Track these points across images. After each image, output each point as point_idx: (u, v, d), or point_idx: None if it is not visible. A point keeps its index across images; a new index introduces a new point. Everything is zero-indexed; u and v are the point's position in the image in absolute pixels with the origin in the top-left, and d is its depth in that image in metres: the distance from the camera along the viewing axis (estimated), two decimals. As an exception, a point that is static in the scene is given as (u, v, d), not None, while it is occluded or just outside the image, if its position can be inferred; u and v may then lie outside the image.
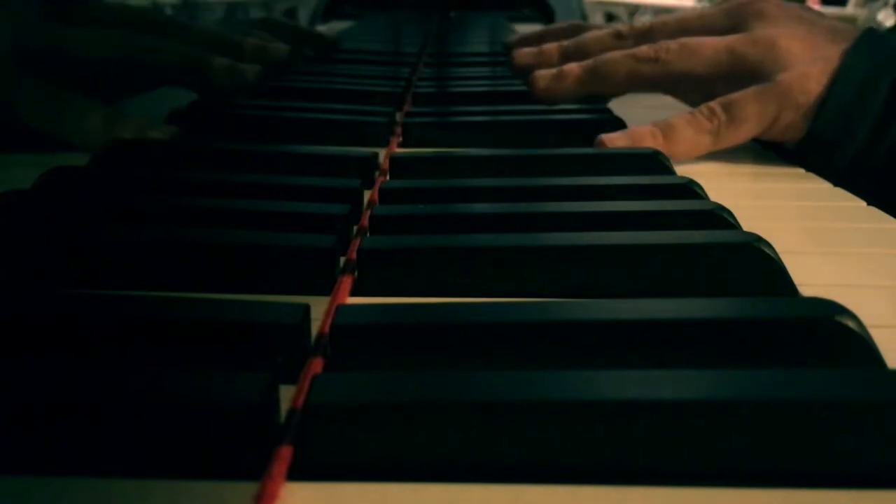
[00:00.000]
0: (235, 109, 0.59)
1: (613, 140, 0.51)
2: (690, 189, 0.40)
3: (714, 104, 0.50)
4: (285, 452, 0.21)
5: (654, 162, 0.46)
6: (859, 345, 0.25)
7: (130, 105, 0.67)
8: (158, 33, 0.58)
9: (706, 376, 0.22)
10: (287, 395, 0.23)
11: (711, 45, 0.52)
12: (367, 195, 0.42)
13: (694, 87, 0.54)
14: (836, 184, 0.49)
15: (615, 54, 0.56)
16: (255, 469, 0.20)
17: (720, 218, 0.35)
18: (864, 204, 0.43)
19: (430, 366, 0.25)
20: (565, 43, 0.64)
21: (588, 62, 0.58)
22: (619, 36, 0.60)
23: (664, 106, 0.70)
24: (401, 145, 0.53)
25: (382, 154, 0.50)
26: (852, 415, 0.20)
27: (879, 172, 0.49)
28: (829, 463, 0.20)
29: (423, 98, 0.68)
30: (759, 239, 0.32)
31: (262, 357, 0.25)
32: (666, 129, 0.51)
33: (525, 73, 0.64)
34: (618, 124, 0.57)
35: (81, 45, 0.52)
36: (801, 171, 0.50)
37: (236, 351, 0.25)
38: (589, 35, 0.63)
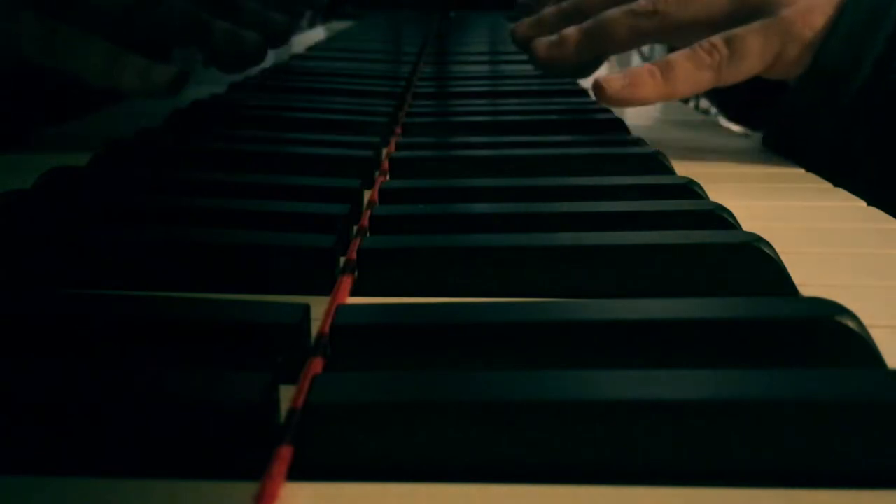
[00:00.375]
0: (236, 108, 0.59)
1: (611, 81, 0.49)
2: (690, 189, 0.40)
3: (715, 38, 0.49)
4: (285, 452, 0.21)
5: (654, 162, 0.46)
6: (859, 345, 0.25)
7: (128, 105, 0.67)
8: None
9: (706, 376, 0.22)
10: (287, 395, 0.23)
11: None
12: (367, 195, 0.42)
13: (698, 35, 0.52)
14: (837, 122, 0.48)
15: (613, 12, 0.53)
16: (255, 469, 0.20)
17: (720, 218, 0.35)
18: (864, 204, 0.43)
19: (430, 366, 0.25)
20: (563, 5, 0.60)
21: (587, 24, 0.55)
22: None
23: (665, 106, 0.70)
24: (401, 145, 0.53)
25: (382, 154, 0.50)
26: (852, 415, 0.20)
27: (882, 110, 0.48)
28: (829, 463, 0.20)
29: (424, 98, 0.68)
30: (759, 239, 0.32)
31: (262, 357, 0.25)
32: (664, 67, 0.49)
33: (527, 45, 0.61)
34: (617, 124, 0.57)
35: None
36: (801, 171, 0.50)
37: (236, 351, 0.25)
38: None
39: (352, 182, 0.41)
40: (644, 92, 0.50)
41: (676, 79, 0.49)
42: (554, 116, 0.59)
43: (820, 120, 0.51)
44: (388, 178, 0.46)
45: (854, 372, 0.24)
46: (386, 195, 0.40)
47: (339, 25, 1.34)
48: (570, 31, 0.55)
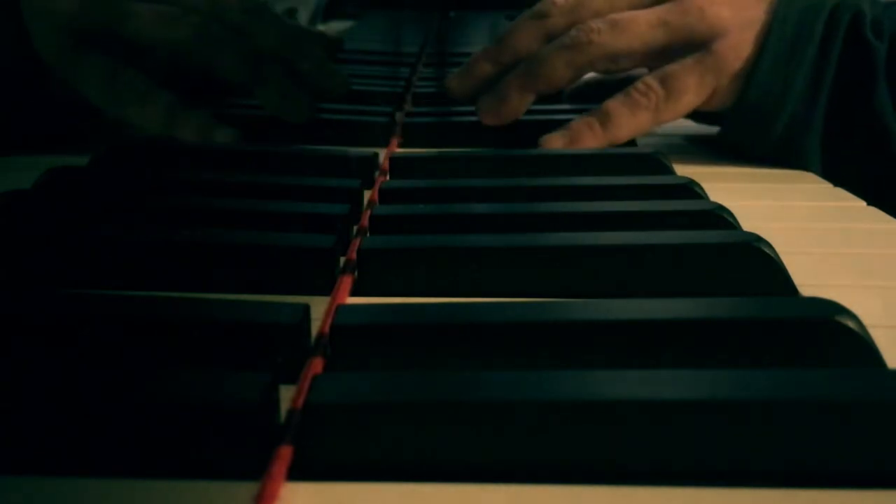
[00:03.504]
0: (239, 110, 0.59)
1: (551, 141, 0.50)
2: (690, 189, 0.40)
3: (649, 79, 0.49)
4: (285, 452, 0.21)
5: (654, 162, 0.46)
6: (859, 345, 0.25)
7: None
8: (225, 21, 0.53)
9: (706, 376, 0.22)
10: (287, 395, 0.23)
11: (644, 20, 0.50)
12: (367, 195, 0.42)
13: (637, 63, 0.52)
14: (773, 148, 0.49)
15: (546, 53, 0.52)
16: (255, 469, 0.20)
17: (720, 218, 0.35)
18: (863, 204, 0.43)
19: (429, 366, 0.25)
20: (490, 49, 0.56)
21: (522, 71, 0.52)
22: (541, 15, 0.54)
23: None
24: (401, 145, 0.53)
25: (382, 154, 0.50)
26: (852, 415, 0.20)
27: (818, 129, 0.50)
28: (829, 463, 0.20)
29: (424, 98, 0.68)
30: (759, 239, 0.32)
31: (262, 357, 0.25)
32: (602, 118, 0.49)
33: (465, 100, 0.57)
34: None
35: (142, 23, 0.50)
36: (801, 171, 0.50)
37: (236, 351, 0.25)
38: (512, 29, 0.55)
39: (352, 182, 0.41)
40: (585, 145, 0.50)
41: (615, 126, 0.49)
42: (554, 117, 0.59)
43: (757, 142, 0.51)
44: (388, 178, 0.46)
45: (854, 372, 0.24)
46: (386, 195, 0.40)
47: (339, 25, 1.33)
48: (509, 84, 0.53)
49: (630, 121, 0.49)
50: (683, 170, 0.46)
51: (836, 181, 0.47)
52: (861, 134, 0.50)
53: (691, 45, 0.49)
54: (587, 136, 0.49)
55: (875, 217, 0.41)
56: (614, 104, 0.49)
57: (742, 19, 0.49)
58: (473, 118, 0.59)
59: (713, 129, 0.61)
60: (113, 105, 0.50)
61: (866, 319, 0.25)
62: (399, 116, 0.61)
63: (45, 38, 0.49)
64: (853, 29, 0.49)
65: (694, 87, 0.49)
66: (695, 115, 0.55)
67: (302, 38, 0.58)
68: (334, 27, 1.30)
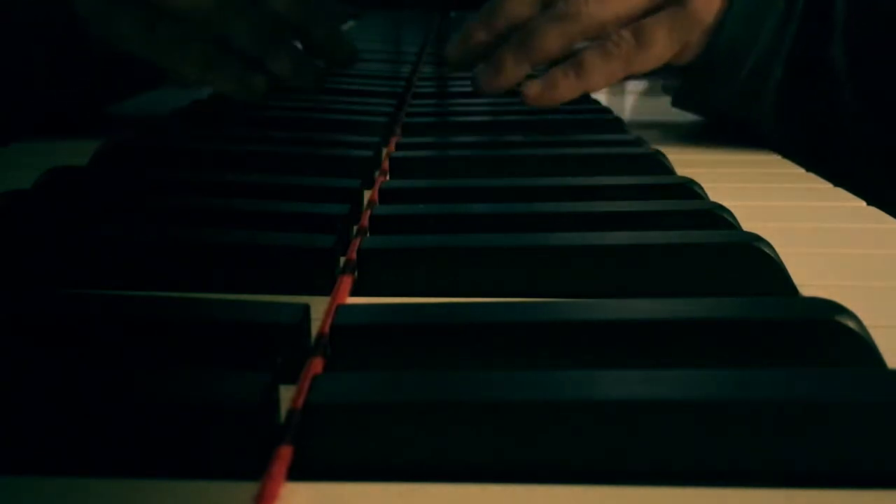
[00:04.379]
0: (236, 108, 0.59)
1: (530, 87, 0.52)
2: (690, 189, 0.40)
3: (623, 31, 0.52)
4: (285, 452, 0.21)
5: (654, 162, 0.46)
6: (859, 345, 0.25)
7: (129, 105, 0.67)
8: None
9: (706, 376, 0.22)
10: (287, 395, 0.23)
11: None
12: (367, 195, 0.42)
13: (623, 27, 0.54)
14: (735, 96, 0.53)
15: (539, 24, 0.54)
16: (255, 469, 0.20)
17: (720, 218, 0.35)
18: (863, 204, 0.43)
19: (429, 366, 0.25)
20: (483, 17, 0.58)
21: (516, 43, 0.54)
22: None
23: (665, 107, 0.70)
24: (401, 145, 0.53)
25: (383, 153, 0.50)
26: (852, 415, 0.20)
27: (777, 77, 0.53)
28: (829, 463, 0.20)
29: (424, 97, 0.68)
30: (759, 239, 0.32)
31: (262, 357, 0.25)
32: (577, 66, 0.52)
33: (460, 67, 0.60)
34: (617, 124, 0.57)
35: None
36: (801, 171, 0.50)
37: (236, 351, 0.25)
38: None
39: (352, 182, 0.41)
40: (561, 92, 0.52)
41: (588, 74, 0.52)
42: (554, 116, 0.59)
43: (721, 91, 0.55)
44: (388, 178, 0.46)
45: (854, 372, 0.24)
46: (386, 195, 0.40)
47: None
48: (505, 56, 0.55)
49: (603, 69, 0.52)
50: (683, 169, 0.46)
51: (783, 124, 0.51)
52: (812, 83, 0.53)
53: (669, 3, 0.52)
54: (563, 84, 0.52)
55: (875, 217, 0.41)
56: (588, 54, 0.52)
57: None
58: (473, 118, 0.59)
59: (714, 128, 0.61)
60: (151, 52, 0.52)
61: (866, 319, 0.25)
62: (399, 116, 0.61)
63: None
64: None
65: (664, 38, 0.51)
66: (667, 72, 0.57)
67: (313, 4, 0.59)
68: (334, 27, 1.30)
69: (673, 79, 0.60)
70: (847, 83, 0.53)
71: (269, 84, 0.53)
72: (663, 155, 0.47)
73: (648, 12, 0.52)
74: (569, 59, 0.53)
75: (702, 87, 0.55)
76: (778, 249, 0.31)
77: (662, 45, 0.51)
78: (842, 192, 0.45)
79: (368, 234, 0.36)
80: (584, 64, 0.52)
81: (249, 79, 0.54)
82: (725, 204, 0.37)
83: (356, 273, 0.32)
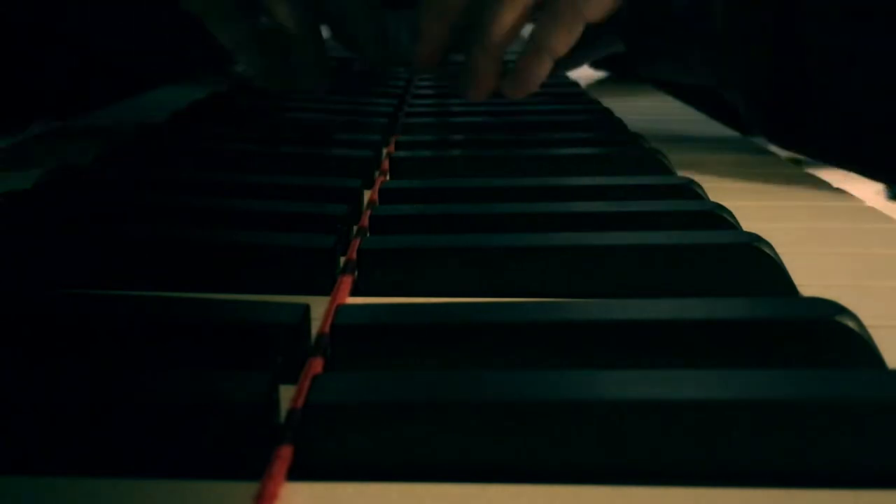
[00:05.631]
0: (236, 108, 0.59)
1: (506, 86, 0.54)
2: (690, 189, 0.40)
3: None
4: (285, 452, 0.21)
5: (654, 162, 0.46)
6: (859, 345, 0.25)
7: (129, 104, 0.67)
8: None
9: (706, 376, 0.22)
10: (287, 395, 0.23)
11: None
12: (367, 195, 0.42)
13: None
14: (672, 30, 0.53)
15: (488, 7, 0.54)
16: (255, 469, 0.20)
17: (720, 218, 0.35)
18: (864, 204, 0.43)
19: (429, 366, 0.25)
20: (432, 12, 0.58)
21: (477, 37, 0.54)
22: None
23: (665, 107, 0.70)
24: (401, 145, 0.53)
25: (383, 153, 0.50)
26: (852, 415, 0.20)
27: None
28: (829, 463, 0.20)
29: (424, 98, 0.68)
30: (759, 239, 0.32)
31: (262, 357, 0.25)
32: (534, 43, 0.52)
33: (430, 66, 0.60)
34: (617, 124, 0.57)
35: None
36: (801, 170, 0.50)
37: (236, 351, 0.25)
38: None
39: (352, 182, 0.41)
40: (533, 75, 0.53)
41: (549, 44, 0.52)
42: (554, 116, 0.59)
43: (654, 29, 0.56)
44: (388, 178, 0.46)
45: (854, 372, 0.24)
46: (386, 195, 0.40)
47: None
48: (475, 59, 0.55)
49: (560, 32, 0.52)
50: (683, 169, 0.46)
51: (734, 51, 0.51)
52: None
53: None
54: (530, 67, 0.53)
55: (875, 217, 0.41)
56: (539, 26, 0.53)
57: None
58: (473, 118, 0.59)
59: (714, 129, 0.61)
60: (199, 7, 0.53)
61: (866, 319, 0.25)
62: (399, 116, 0.61)
63: None
64: None
65: None
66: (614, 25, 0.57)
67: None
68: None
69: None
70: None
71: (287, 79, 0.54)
72: (663, 155, 0.47)
73: None
74: (526, 44, 0.53)
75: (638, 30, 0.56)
76: (778, 249, 0.31)
77: None
78: (842, 192, 0.45)
79: (368, 234, 0.36)
80: (541, 37, 0.52)
81: (275, 67, 0.54)
82: (725, 204, 0.37)
83: (356, 273, 0.32)
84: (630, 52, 0.60)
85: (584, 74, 0.88)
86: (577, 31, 0.52)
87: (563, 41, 0.53)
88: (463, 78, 0.56)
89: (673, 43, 0.56)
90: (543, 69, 0.53)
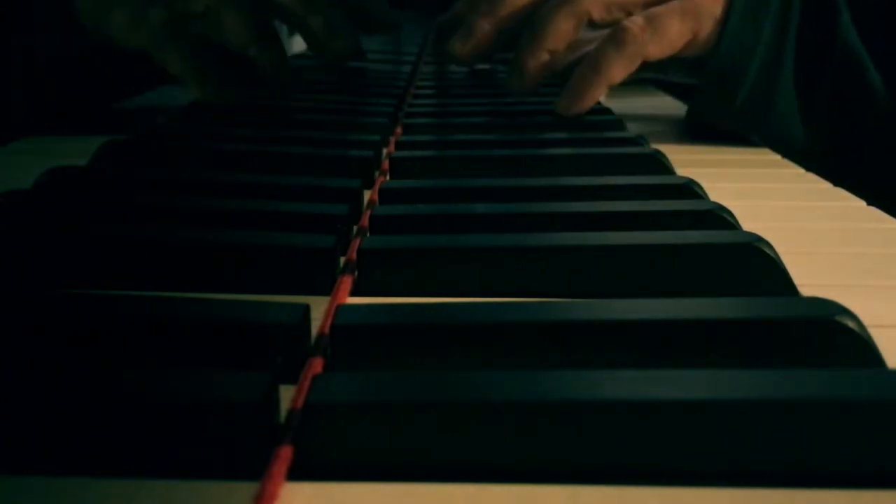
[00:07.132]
0: (235, 107, 0.59)
1: (560, 102, 0.54)
2: (690, 189, 0.40)
3: (635, 18, 0.53)
4: (285, 452, 0.21)
5: (654, 162, 0.46)
6: (859, 345, 0.25)
7: (128, 105, 0.67)
8: None
9: (707, 376, 0.22)
10: (287, 395, 0.23)
11: None
12: (367, 195, 0.42)
13: (631, 12, 0.56)
14: (748, 95, 0.53)
15: (548, 9, 0.55)
16: (255, 469, 0.20)
17: (720, 218, 0.35)
18: (864, 204, 0.43)
19: (429, 366, 0.25)
20: (487, 8, 0.59)
21: (529, 36, 0.56)
22: None
23: (664, 107, 0.70)
24: (401, 145, 0.53)
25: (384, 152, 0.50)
26: (852, 415, 0.20)
27: (790, 67, 0.54)
28: (829, 463, 0.20)
29: (424, 97, 0.68)
30: (759, 239, 0.31)
31: (262, 357, 0.25)
32: (592, 62, 0.53)
33: (467, 62, 0.63)
34: (617, 124, 0.57)
35: None
36: (801, 170, 0.50)
37: (236, 351, 0.25)
38: None
39: (352, 182, 0.41)
40: (587, 96, 0.54)
41: (607, 68, 0.53)
42: (554, 116, 0.59)
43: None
44: (388, 178, 0.46)
45: (854, 372, 0.24)
46: (386, 195, 0.40)
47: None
48: (524, 57, 0.56)
49: (619, 60, 0.52)
50: (683, 169, 0.46)
51: (813, 120, 0.52)
52: (833, 68, 0.54)
53: None
54: (585, 86, 0.53)
55: (875, 217, 0.41)
56: (602, 48, 0.53)
57: None
58: (473, 118, 0.59)
59: (717, 132, 0.61)
60: (140, 43, 0.53)
61: (866, 319, 0.25)
62: (399, 116, 0.61)
63: None
64: None
65: (676, 24, 0.52)
66: (676, 65, 0.58)
67: None
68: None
69: (683, 75, 0.60)
70: (868, 67, 0.53)
71: (242, 92, 0.54)
72: (663, 155, 0.47)
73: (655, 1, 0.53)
74: (583, 59, 0.54)
75: (712, 88, 0.55)
76: (778, 249, 0.31)
77: (675, 31, 0.52)
78: (842, 192, 0.45)
79: (368, 234, 0.36)
80: (600, 58, 0.53)
81: (225, 84, 0.55)
82: (725, 204, 0.37)
83: (356, 273, 0.32)
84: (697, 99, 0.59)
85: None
86: (635, 64, 0.53)
87: (621, 73, 0.53)
88: (509, 70, 0.57)
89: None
90: (596, 91, 0.54)
